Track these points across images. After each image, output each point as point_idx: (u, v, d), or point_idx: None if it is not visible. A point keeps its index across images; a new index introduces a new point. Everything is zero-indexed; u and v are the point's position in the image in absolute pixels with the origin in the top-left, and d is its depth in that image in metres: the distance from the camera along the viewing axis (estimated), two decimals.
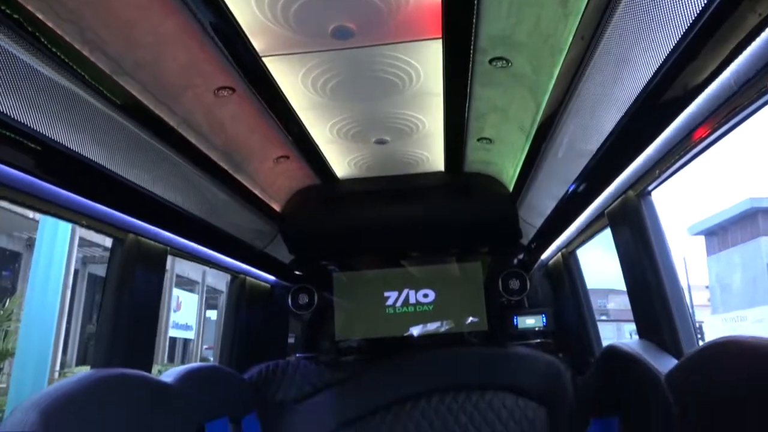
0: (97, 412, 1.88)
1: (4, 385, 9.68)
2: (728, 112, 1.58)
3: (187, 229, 2.85)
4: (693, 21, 1.37)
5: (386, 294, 4.15)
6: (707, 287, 28.75)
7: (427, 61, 2.16)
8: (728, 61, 1.41)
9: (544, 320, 3.95)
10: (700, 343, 2.13)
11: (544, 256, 3.86)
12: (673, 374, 1.90)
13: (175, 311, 20.41)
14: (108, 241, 2.89)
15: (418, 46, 2.06)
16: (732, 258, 26.43)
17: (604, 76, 1.79)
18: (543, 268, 4.02)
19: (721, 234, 27.51)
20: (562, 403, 3.33)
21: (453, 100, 2.42)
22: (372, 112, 2.64)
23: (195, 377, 2.74)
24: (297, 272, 4.23)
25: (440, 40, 1.97)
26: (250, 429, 3.21)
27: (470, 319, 4.11)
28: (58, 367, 12.03)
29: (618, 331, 22.19)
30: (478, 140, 2.92)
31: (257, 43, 1.95)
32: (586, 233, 3.14)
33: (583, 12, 1.61)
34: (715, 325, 24.14)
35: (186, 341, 23.77)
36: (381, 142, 2.97)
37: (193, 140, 2.35)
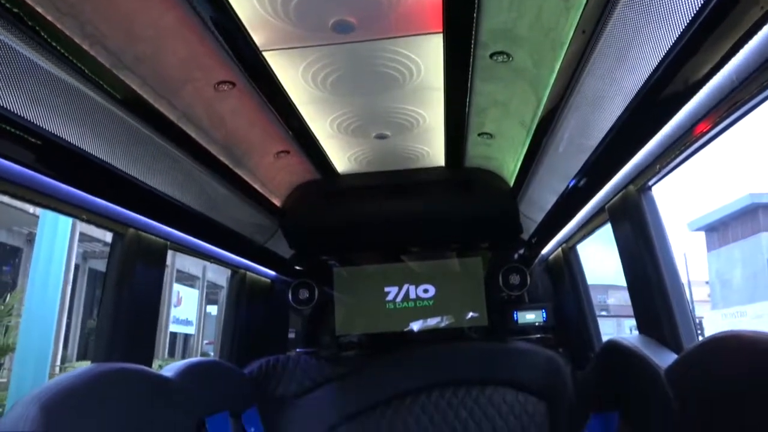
0: (98, 406, 1.89)
1: (4, 380, 9.70)
2: (729, 106, 1.58)
3: (187, 224, 2.85)
4: (695, 15, 1.37)
5: (386, 289, 4.16)
6: (707, 283, 28.79)
7: (428, 56, 2.15)
8: (730, 56, 1.41)
9: (545, 315, 3.95)
10: (700, 338, 2.13)
11: (544, 251, 3.86)
12: (672, 369, 1.90)
13: (175, 306, 20.43)
14: (108, 236, 2.88)
15: (418, 40, 2.05)
16: (732, 254, 26.44)
17: (605, 70, 1.79)
18: (543, 263, 4.03)
19: (721, 230, 27.50)
20: (562, 397, 3.34)
21: (453, 95, 2.41)
22: (372, 106, 2.63)
23: (195, 372, 2.75)
24: (297, 267, 4.23)
25: (441, 35, 1.97)
26: (251, 423, 3.22)
27: (470, 314, 4.12)
28: (58, 363, 12.08)
29: (618, 327, 22.21)
30: (479, 135, 2.92)
31: (257, 37, 1.95)
32: (587, 228, 3.14)
33: (585, 5, 1.60)
34: (714, 320, 24.14)
35: (186, 336, 23.84)
36: (381, 136, 2.96)
37: (193, 135, 2.35)
